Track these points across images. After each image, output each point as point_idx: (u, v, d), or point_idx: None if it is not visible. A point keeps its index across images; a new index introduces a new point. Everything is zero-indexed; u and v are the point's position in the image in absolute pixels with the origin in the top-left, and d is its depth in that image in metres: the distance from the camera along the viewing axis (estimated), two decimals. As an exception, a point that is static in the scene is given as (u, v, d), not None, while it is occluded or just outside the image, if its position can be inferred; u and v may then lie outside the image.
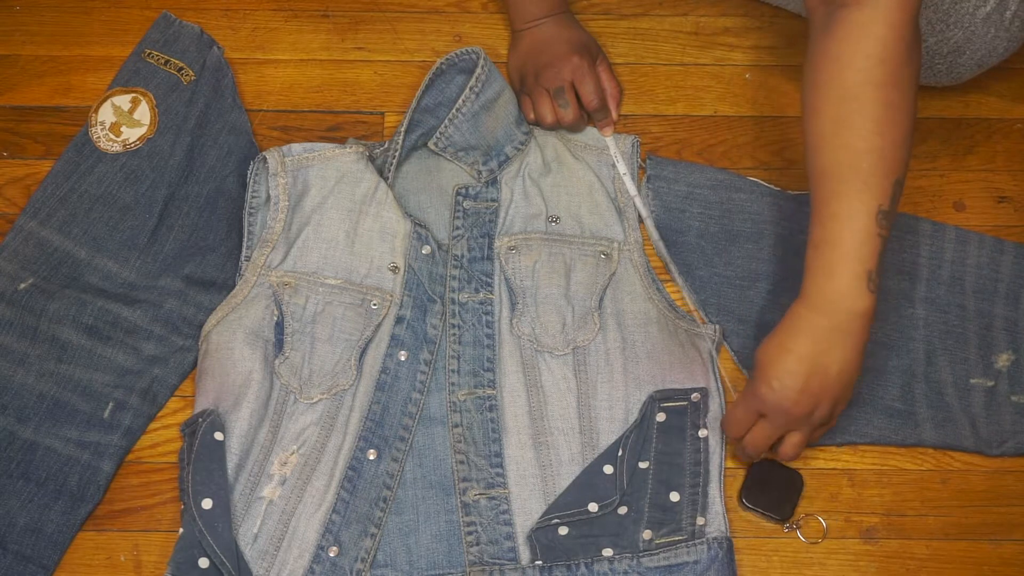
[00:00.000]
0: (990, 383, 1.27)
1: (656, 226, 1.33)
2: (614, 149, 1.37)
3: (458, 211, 1.33)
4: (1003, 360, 1.28)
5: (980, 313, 1.30)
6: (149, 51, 1.39)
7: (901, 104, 1.09)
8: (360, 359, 1.25)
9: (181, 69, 1.38)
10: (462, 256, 1.30)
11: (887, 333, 1.28)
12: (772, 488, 1.21)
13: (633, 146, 1.38)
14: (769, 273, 1.31)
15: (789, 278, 1.27)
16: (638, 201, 1.34)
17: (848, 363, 1.12)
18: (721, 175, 1.36)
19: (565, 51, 1.38)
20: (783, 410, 1.13)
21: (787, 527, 1.20)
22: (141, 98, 1.37)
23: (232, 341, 1.23)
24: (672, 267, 1.31)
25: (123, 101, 1.37)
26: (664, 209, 1.34)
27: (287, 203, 1.30)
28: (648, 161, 1.36)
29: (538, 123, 1.38)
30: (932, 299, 1.31)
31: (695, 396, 1.23)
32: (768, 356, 1.13)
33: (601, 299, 1.29)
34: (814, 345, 1.11)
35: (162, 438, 1.24)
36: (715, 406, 1.24)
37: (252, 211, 1.31)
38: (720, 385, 1.25)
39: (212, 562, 1.14)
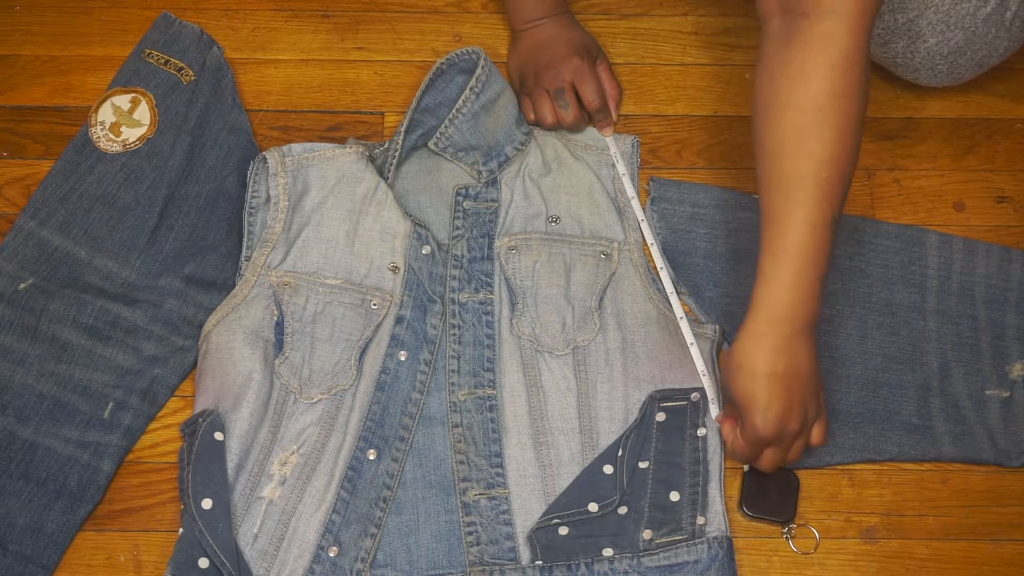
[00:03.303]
0: (1005, 394, 1.27)
1: (663, 248, 1.32)
2: (614, 149, 1.37)
3: (458, 211, 1.33)
4: (1017, 370, 1.28)
5: (992, 323, 1.30)
6: (149, 51, 1.39)
7: (858, 114, 1.10)
8: (360, 359, 1.25)
9: (181, 69, 1.38)
10: (462, 256, 1.30)
11: (900, 347, 1.28)
12: (770, 492, 1.21)
13: (633, 146, 1.38)
14: None
15: None
16: (635, 203, 1.34)
17: (813, 361, 1.14)
18: (726, 194, 1.36)
19: (565, 52, 1.38)
20: (783, 431, 1.13)
21: (785, 531, 1.20)
22: (141, 98, 1.37)
23: (232, 341, 1.23)
24: (667, 280, 1.31)
25: (123, 101, 1.37)
26: (670, 231, 1.33)
27: (287, 203, 1.30)
28: (652, 183, 1.36)
29: (538, 124, 1.38)
30: (943, 311, 1.30)
31: (695, 396, 1.23)
32: (746, 390, 1.13)
33: (601, 299, 1.29)
34: (782, 356, 1.11)
35: (162, 438, 1.24)
36: (714, 405, 1.24)
37: (252, 211, 1.31)
38: (719, 385, 1.25)
39: (212, 562, 1.14)
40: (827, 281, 1.12)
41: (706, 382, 1.24)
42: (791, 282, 1.11)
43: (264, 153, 1.33)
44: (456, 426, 1.22)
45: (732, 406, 1.17)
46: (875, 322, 1.30)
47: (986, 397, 1.26)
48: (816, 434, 1.18)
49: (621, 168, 1.36)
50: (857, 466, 1.24)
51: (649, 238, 1.32)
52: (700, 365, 1.24)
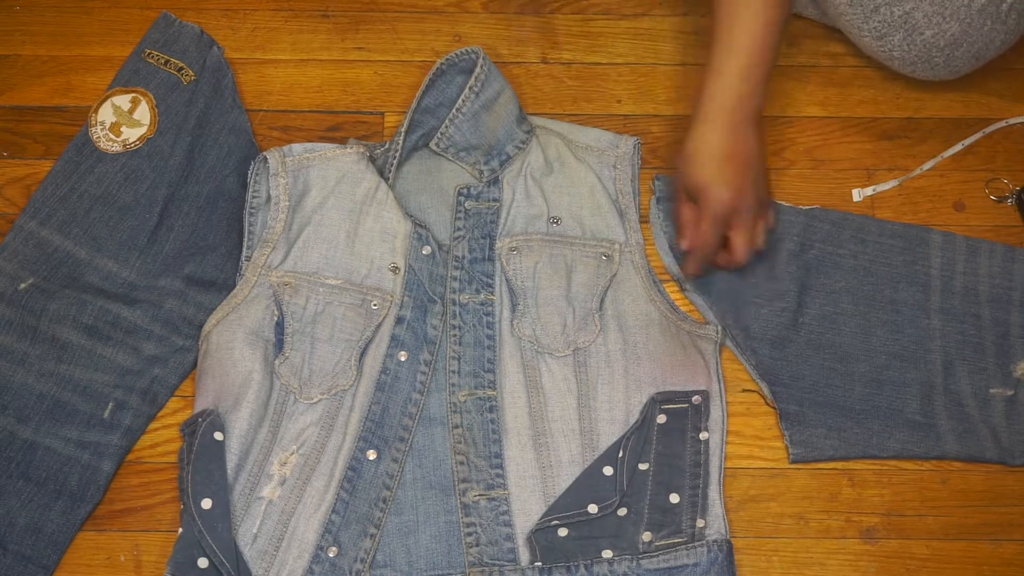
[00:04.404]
0: (1009, 392, 1.27)
1: (669, 247, 1.32)
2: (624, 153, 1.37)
3: (459, 211, 1.33)
4: (1021, 368, 1.28)
5: (996, 322, 1.30)
6: (149, 51, 1.39)
7: None
8: (360, 359, 1.25)
9: (181, 69, 1.38)
10: (463, 257, 1.30)
11: (904, 345, 1.28)
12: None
13: (634, 147, 1.38)
14: (783, 289, 1.30)
15: (804, 292, 1.29)
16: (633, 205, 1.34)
17: (761, 145, 1.24)
18: None
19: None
20: (742, 204, 1.22)
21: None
22: (141, 98, 1.37)
23: (232, 341, 1.23)
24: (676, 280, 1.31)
25: (123, 101, 1.37)
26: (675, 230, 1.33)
27: (287, 203, 1.30)
28: (656, 182, 1.36)
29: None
30: (947, 310, 1.30)
31: (696, 398, 1.23)
32: (705, 170, 1.22)
33: (602, 300, 1.29)
34: (734, 137, 1.22)
35: (162, 438, 1.24)
36: (717, 408, 1.24)
37: (252, 211, 1.31)
38: (722, 387, 1.25)
39: (211, 562, 1.14)
40: (770, 80, 1.24)
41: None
42: (741, 75, 1.22)
43: (264, 153, 1.33)
44: (456, 427, 1.22)
45: (688, 200, 1.26)
46: (879, 320, 1.30)
47: (990, 395, 1.26)
48: (757, 236, 1.26)
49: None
50: (857, 466, 1.24)
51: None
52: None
